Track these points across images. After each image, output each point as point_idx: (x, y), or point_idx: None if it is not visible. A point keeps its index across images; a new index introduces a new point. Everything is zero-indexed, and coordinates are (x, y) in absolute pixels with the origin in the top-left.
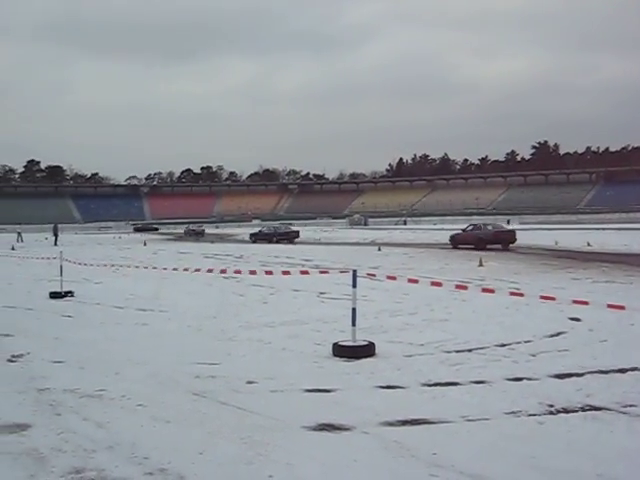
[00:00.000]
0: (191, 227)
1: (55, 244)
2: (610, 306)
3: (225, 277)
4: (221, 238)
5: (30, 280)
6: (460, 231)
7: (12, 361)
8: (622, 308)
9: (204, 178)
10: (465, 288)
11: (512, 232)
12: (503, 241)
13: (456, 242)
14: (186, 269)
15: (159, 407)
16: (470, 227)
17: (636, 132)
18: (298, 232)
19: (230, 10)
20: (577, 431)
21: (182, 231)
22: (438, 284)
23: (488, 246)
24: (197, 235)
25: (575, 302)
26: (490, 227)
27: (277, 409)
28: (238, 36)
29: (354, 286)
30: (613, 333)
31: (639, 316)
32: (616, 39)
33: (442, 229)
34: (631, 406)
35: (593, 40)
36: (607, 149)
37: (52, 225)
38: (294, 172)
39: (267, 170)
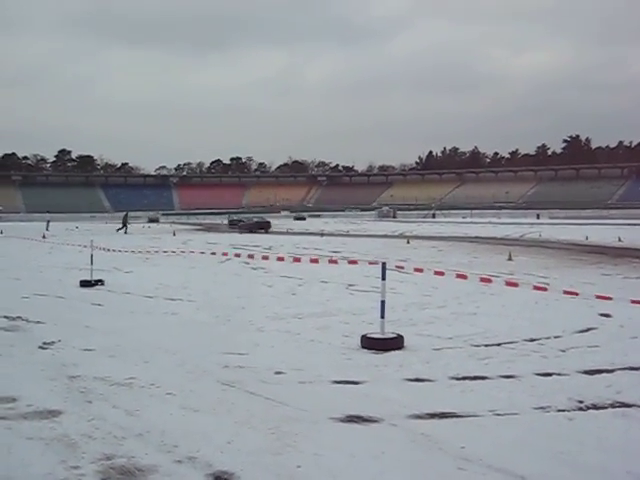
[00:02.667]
0: (246, 218)
1: (125, 233)
2: (634, 301)
3: (253, 268)
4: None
5: (61, 268)
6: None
7: (44, 348)
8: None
9: (233, 169)
10: (493, 282)
11: (268, 222)
12: (263, 227)
13: (238, 227)
14: (213, 253)
15: (188, 396)
16: (244, 219)
17: None
18: (269, 222)
19: (258, 0)
20: (607, 428)
21: (215, 222)
22: (463, 276)
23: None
24: (260, 227)
25: (599, 297)
26: (255, 218)
27: (305, 400)
28: (267, 27)
29: (383, 278)
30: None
31: None
32: None
33: (472, 222)
34: None
35: (625, 34)
36: (639, 144)
37: (123, 213)
38: (323, 164)
39: (296, 161)
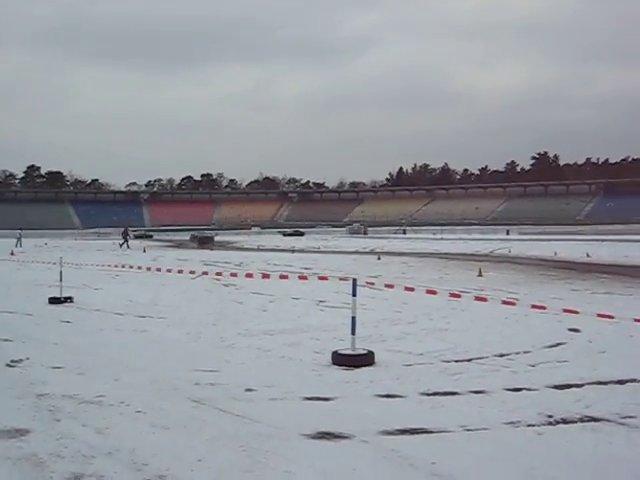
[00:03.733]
0: (197, 233)
1: (128, 247)
2: (601, 315)
3: (224, 284)
4: (221, 245)
5: (30, 285)
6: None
7: (11, 366)
8: (611, 317)
9: (204, 185)
10: (463, 297)
11: (212, 237)
12: (208, 242)
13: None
14: (180, 271)
15: (158, 414)
16: (196, 234)
17: (636, 144)
18: (213, 237)
19: (230, 17)
20: (576, 442)
21: (185, 238)
22: (433, 292)
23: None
24: (204, 242)
25: (567, 311)
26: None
27: (276, 417)
28: (238, 43)
29: (354, 295)
30: (612, 344)
31: (638, 327)
32: (615, 51)
33: (442, 239)
34: (630, 417)
35: (593, 52)
36: (607, 160)
37: (123, 229)
38: (294, 180)
39: (267, 178)
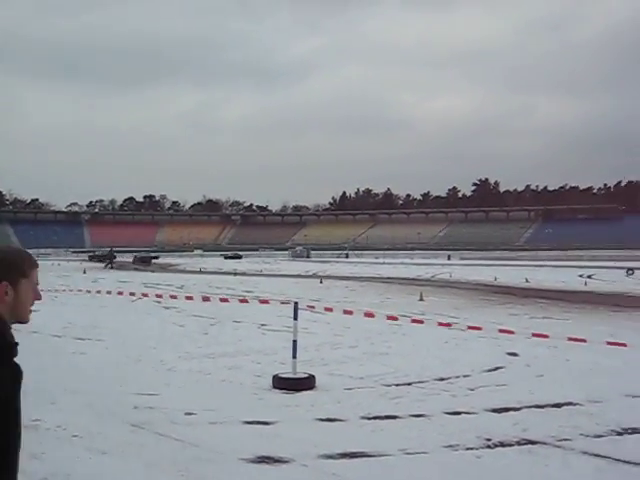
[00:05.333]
0: (139, 255)
1: (112, 268)
2: (535, 335)
3: (165, 307)
4: (162, 268)
5: None
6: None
7: None
8: (546, 336)
9: (146, 207)
10: (404, 322)
11: (150, 257)
12: (146, 261)
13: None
14: (120, 292)
15: (96, 438)
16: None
17: (573, 172)
18: (151, 257)
19: (176, 38)
20: (513, 465)
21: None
22: (373, 315)
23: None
24: (144, 263)
25: (503, 333)
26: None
27: (216, 441)
28: (184, 65)
29: (295, 318)
30: (549, 368)
31: (574, 352)
32: (554, 82)
33: (384, 263)
34: (566, 440)
35: (533, 82)
36: (545, 188)
37: (108, 249)
38: (237, 203)
39: (210, 200)
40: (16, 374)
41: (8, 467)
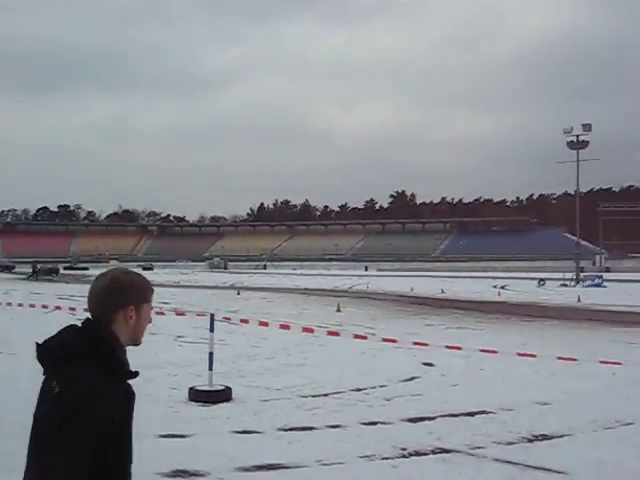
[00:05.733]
0: (41, 265)
1: (36, 280)
2: (449, 347)
3: (80, 319)
4: (77, 279)
5: None
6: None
7: None
8: (459, 348)
9: (61, 217)
10: (321, 333)
11: (56, 269)
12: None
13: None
14: (33, 305)
15: (4, 456)
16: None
17: (487, 185)
18: (57, 269)
19: (91, 46)
20: (428, 474)
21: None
22: (288, 327)
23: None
24: (49, 274)
25: (418, 345)
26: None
27: None
28: (99, 74)
29: (211, 330)
30: (464, 378)
31: (488, 361)
32: (470, 97)
33: (302, 274)
34: (479, 448)
35: (449, 97)
36: (461, 200)
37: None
38: (154, 213)
39: (126, 210)
40: (130, 395)
41: None
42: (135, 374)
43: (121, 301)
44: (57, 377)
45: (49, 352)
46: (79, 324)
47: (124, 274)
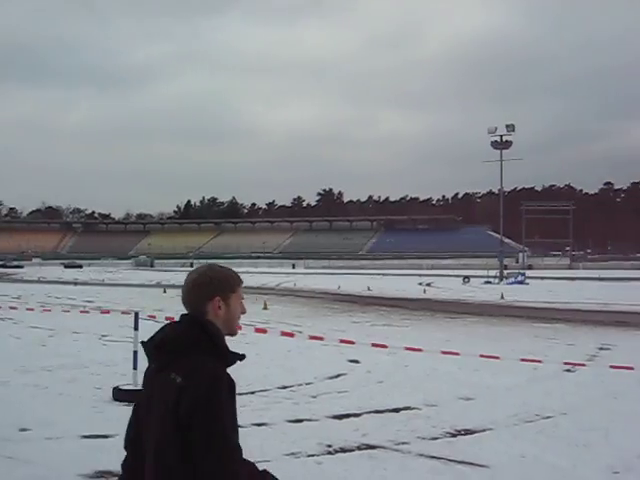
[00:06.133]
0: None
1: None
2: (375, 344)
3: (0, 318)
4: (11, 278)
5: None
6: None
7: None
8: (385, 347)
9: None
10: (247, 331)
11: None
12: None
13: None
14: None
15: None
16: None
17: (414, 184)
18: None
19: (13, 41)
20: (353, 470)
21: None
22: None
23: None
24: None
25: (344, 342)
26: None
27: (52, 457)
28: (20, 65)
29: (136, 328)
30: (389, 374)
31: (413, 358)
32: (395, 96)
33: None
34: (403, 444)
35: (375, 96)
36: (387, 199)
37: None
38: (78, 210)
39: (50, 207)
40: (231, 381)
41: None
42: (242, 356)
43: (208, 292)
44: (175, 369)
45: (163, 347)
46: (178, 319)
47: (210, 267)
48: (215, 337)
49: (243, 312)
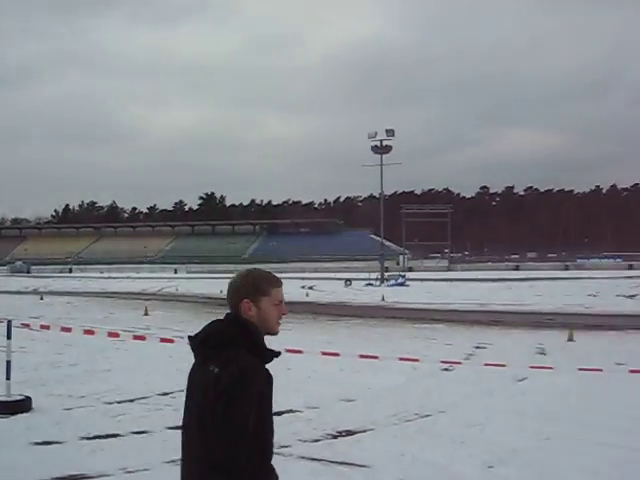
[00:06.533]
0: None
1: None
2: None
3: None
4: None
5: None
6: None
7: None
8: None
9: None
10: (127, 337)
11: None
12: None
13: None
14: None
15: None
16: None
17: (296, 187)
18: None
19: None
20: None
21: None
22: (91, 332)
23: None
24: None
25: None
26: None
27: None
28: None
29: (9, 337)
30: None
31: (295, 360)
32: (279, 99)
33: (110, 277)
34: (285, 447)
35: (259, 98)
36: (270, 202)
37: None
38: None
39: None
40: (270, 375)
41: (264, 451)
42: (278, 353)
43: (239, 295)
44: (214, 361)
45: (207, 341)
46: (222, 317)
47: (247, 271)
48: (253, 334)
49: (284, 313)
